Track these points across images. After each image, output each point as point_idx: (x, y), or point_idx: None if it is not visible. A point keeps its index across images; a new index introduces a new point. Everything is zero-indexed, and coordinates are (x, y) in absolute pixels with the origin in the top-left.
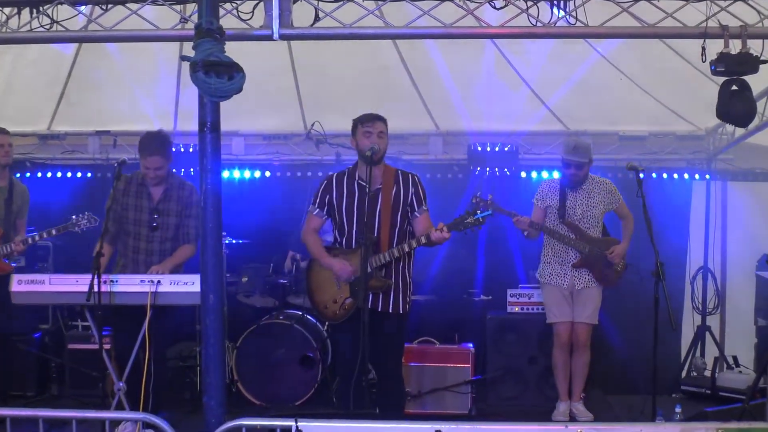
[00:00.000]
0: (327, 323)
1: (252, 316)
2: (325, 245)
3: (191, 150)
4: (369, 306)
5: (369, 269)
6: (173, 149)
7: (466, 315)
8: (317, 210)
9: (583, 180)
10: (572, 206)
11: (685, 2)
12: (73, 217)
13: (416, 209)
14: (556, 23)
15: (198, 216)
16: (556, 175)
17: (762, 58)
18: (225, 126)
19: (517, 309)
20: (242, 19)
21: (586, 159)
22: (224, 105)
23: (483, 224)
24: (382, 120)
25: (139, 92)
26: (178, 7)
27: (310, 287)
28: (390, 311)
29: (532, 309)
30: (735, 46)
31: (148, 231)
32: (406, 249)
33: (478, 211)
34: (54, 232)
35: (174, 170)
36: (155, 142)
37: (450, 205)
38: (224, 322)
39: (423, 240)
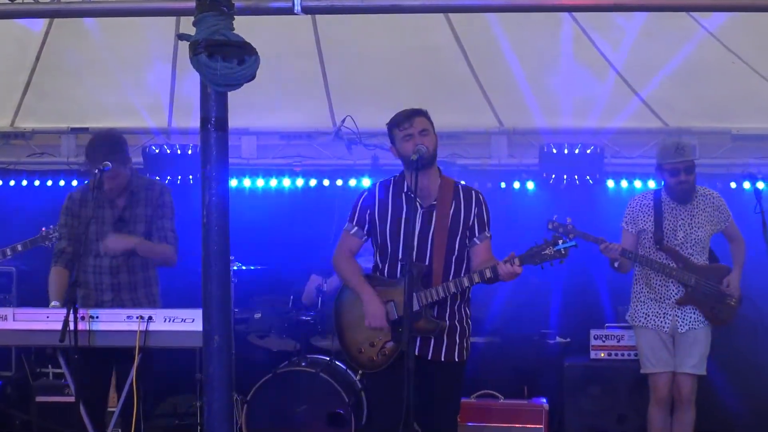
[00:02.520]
0: (360, 371)
1: (267, 362)
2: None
3: (190, 152)
4: (417, 352)
5: (418, 306)
6: (127, 151)
7: (537, 362)
8: (355, 228)
9: (694, 188)
10: (671, 228)
11: None
12: (43, 229)
13: (477, 235)
14: None
15: (171, 217)
16: (651, 185)
17: None
18: (233, 123)
19: (602, 355)
20: None
21: (695, 158)
22: (233, 96)
23: (566, 257)
24: (420, 114)
25: (125, 80)
26: None
27: (340, 323)
28: (443, 360)
29: (622, 354)
30: None
31: None
32: (466, 284)
33: (560, 241)
34: (20, 248)
35: (134, 168)
36: (103, 148)
37: (515, 224)
38: (232, 370)
39: (488, 274)
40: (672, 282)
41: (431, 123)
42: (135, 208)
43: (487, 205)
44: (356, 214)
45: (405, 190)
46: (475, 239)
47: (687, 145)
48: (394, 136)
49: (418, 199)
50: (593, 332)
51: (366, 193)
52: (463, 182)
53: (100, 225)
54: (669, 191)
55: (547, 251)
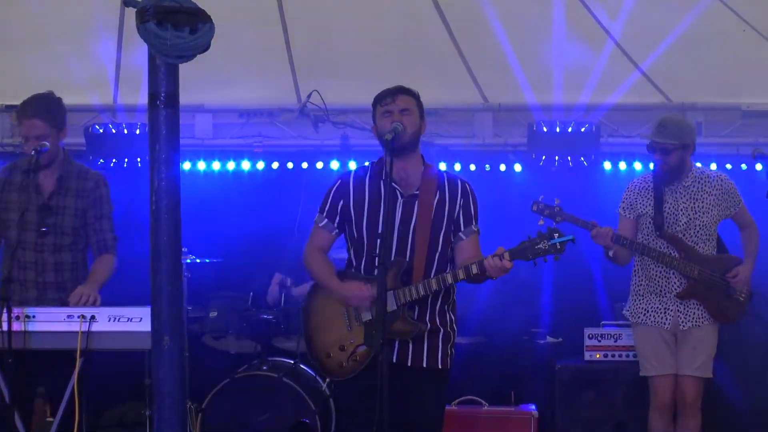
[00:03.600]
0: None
1: (224, 365)
2: (337, 270)
3: (138, 132)
4: (394, 360)
5: (395, 306)
6: (65, 117)
7: (526, 364)
8: (325, 221)
9: (675, 170)
10: (673, 212)
11: None
12: None
13: (462, 229)
14: None
15: (109, 216)
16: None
17: None
18: (186, 99)
19: (597, 356)
20: None
21: (673, 141)
22: (185, 69)
23: (561, 253)
24: (406, 92)
25: (66, 52)
26: None
27: (308, 324)
28: (424, 366)
29: (620, 355)
30: None
31: (36, 237)
32: (450, 281)
33: (555, 235)
34: None
35: (64, 152)
36: (37, 102)
37: (500, 211)
38: (185, 375)
39: (474, 270)
40: (673, 273)
41: (418, 105)
42: (64, 197)
43: (475, 197)
44: (327, 205)
45: (384, 177)
46: (460, 234)
47: (675, 124)
48: (375, 113)
49: (398, 187)
50: (587, 331)
51: (339, 181)
52: (443, 165)
53: (24, 211)
54: (654, 169)
55: (540, 245)
